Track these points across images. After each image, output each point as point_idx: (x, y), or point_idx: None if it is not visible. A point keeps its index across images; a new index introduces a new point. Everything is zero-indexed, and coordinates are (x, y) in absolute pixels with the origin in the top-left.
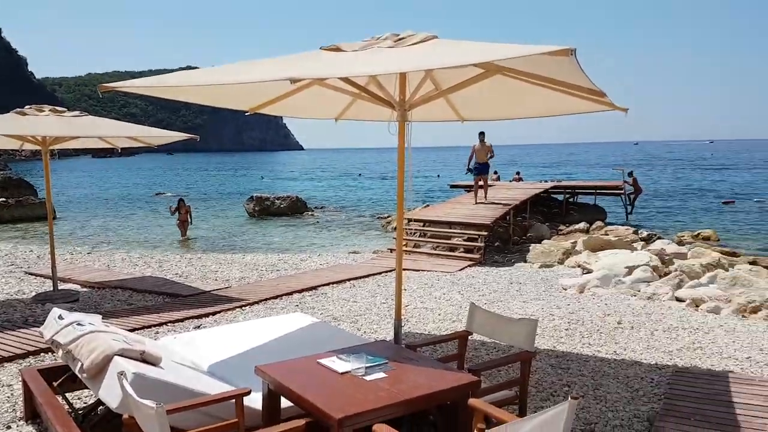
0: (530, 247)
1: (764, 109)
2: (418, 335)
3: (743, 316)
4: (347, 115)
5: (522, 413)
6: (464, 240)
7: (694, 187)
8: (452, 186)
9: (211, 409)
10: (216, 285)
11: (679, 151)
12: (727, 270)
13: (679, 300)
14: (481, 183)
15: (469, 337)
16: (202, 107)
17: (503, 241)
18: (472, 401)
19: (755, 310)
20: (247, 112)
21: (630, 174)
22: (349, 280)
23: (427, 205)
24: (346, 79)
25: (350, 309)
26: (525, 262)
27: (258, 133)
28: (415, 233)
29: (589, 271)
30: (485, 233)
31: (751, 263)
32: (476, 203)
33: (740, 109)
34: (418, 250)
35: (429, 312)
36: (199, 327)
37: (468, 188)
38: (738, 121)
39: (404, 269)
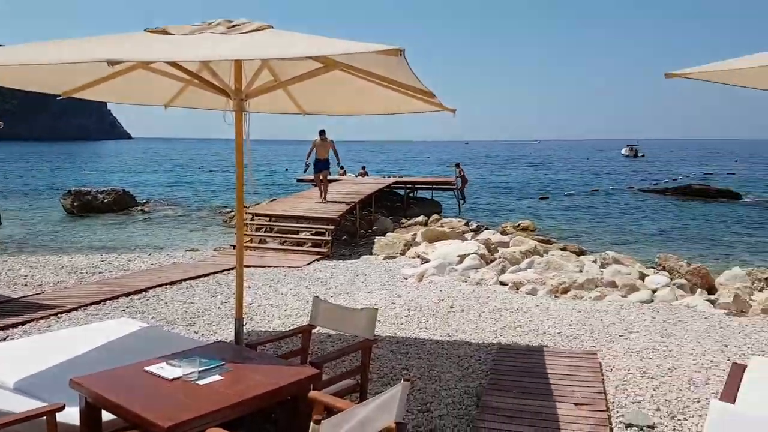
0: (375, 240)
1: (584, 111)
2: (263, 333)
3: (555, 296)
4: (178, 102)
5: (363, 400)
6: (312, 234)
7: (516, 183)
8: (299, 180)
9: (17, 429)
10: (27, 291)
11: (505, 150)
12: (542, 256)
13: (502, 284)
14: (321, 178)
15: (315, 331)
16: (12, 91)
17: (350, 235)
18: (311, 394)
19: (565, 291)
20: (59, 96)
21: (457, 165)
22: (185, 280)
23: (274, 200)
24: (174, 64)
25: (186, 311)
26: (371, 254)
27: (79, 120)
28: (261, 228)
29: (427, 261)
30: (332, 227)
31: (562, 249)
32: (323, 199)
33: (564, 110)
34: (264, 245)
35: (275, 309)
36: (5, 339)
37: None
38: (561, 122)
39: (249, 266)
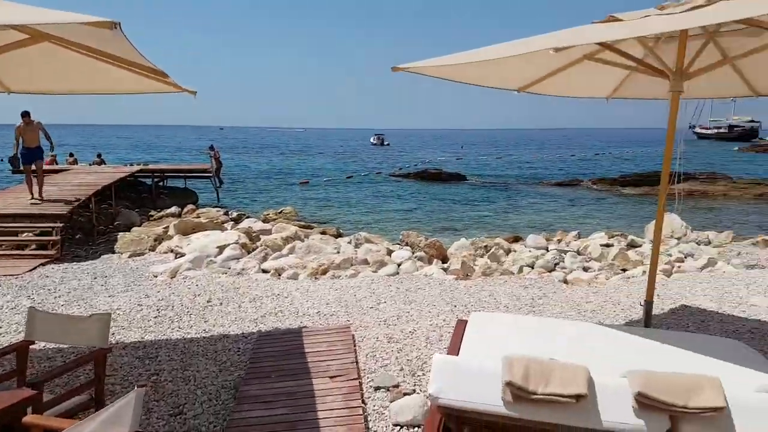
0: (118, 236)
1: (345, 102)
2: None
3: (315, 278)
4: None
5: None
6: (35, 235)
7: (277, 170)
8: (15, 171)
9: None
10: None
11: (265, 136)
12: (303, 241)
13: (264, 272)
14: (34, 169)
15: (41, 346)
16: None
17: (86, 232)
18: (27, 419)
19: (324, 272)
20: None
21: (211, 148)
22: None
23: None
24: None
25: None
26: (113, 252)
27: None
28: None
29: (182, 255)
30: (61, 225)
31: (321, 233)
32: (39, 197)
33: (334, 102)
34: None
35: None
36: None
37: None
38: (331, 112)
39: None
